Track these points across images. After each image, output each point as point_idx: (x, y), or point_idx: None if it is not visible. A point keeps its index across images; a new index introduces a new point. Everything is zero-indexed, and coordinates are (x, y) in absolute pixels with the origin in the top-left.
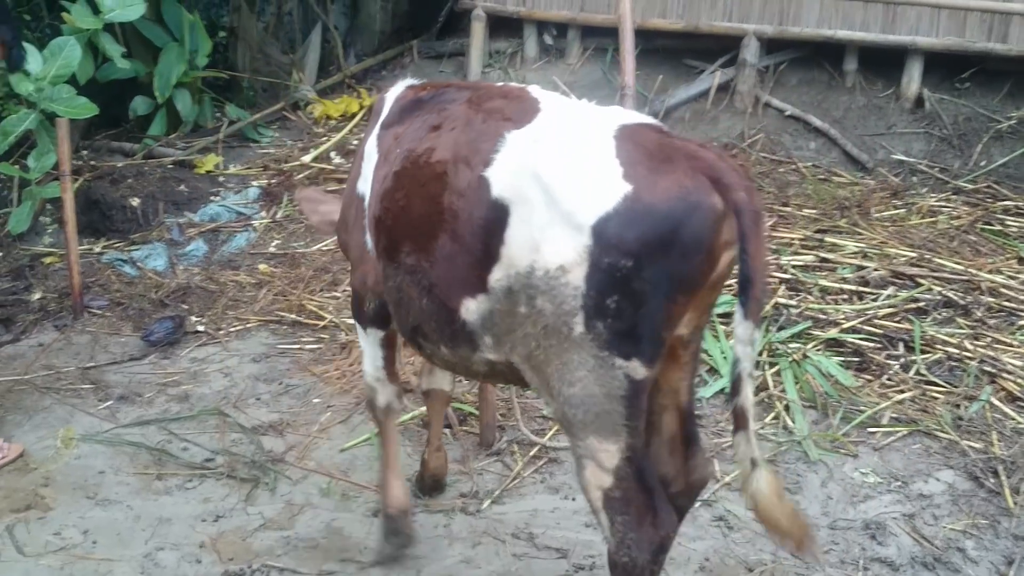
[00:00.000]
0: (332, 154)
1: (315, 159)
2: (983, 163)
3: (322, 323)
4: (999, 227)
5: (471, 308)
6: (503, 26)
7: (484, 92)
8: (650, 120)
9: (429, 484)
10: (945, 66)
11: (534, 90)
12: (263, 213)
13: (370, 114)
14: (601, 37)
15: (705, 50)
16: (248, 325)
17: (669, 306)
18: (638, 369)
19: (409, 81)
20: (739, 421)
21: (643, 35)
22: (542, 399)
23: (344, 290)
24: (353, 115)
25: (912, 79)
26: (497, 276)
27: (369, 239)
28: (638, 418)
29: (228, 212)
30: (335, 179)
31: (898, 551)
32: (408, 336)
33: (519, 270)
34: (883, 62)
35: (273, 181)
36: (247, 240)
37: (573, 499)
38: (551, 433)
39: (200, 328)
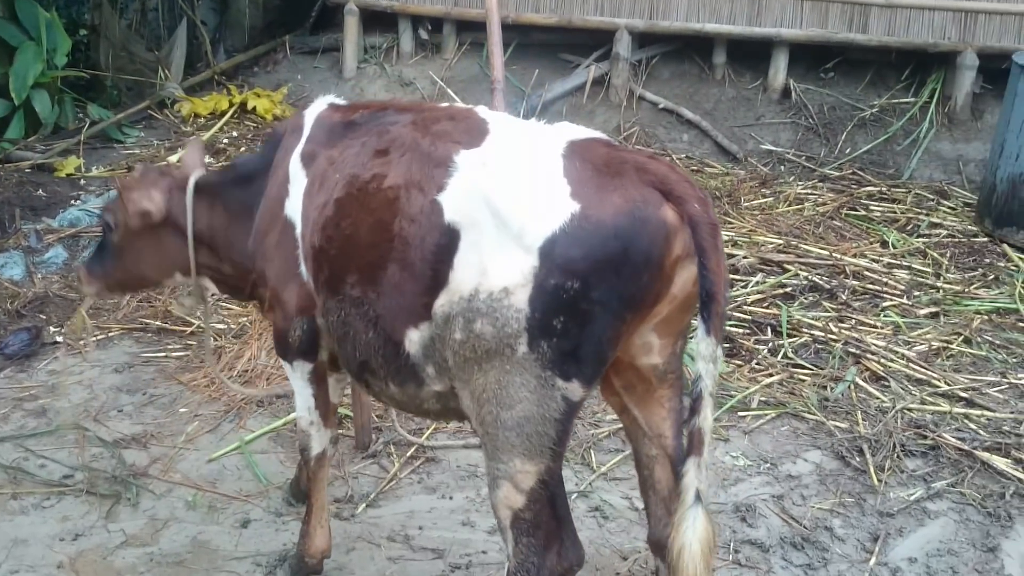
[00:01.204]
0: None
1: (178, 160)
2: (847, 151)
3: (189, 329)
4: (863, 212)
5: (414, 339)
6: (377, 21)
7: (429, 114)
8: (597, 135)
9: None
10: (809, 57)
11: (481, 111)
12: None
13: (283, 131)
14: (477, 32)
15: (580, 44)
16: (111, 334)
17: (617, 324)
18: (576, 390)
19: (330, 99)
20: (694, 445)
21: (518, 30)
22: (472, 425)
23: (214, 294)
24: (223, 112)
25: (778, 70)
26: (441, 302)
27: (304, 269)
28: (564, 442)
29: (89, 217)
30: None
31: (768, 532)
32: (355, 374)
33: (462, 295)
34: (750, 54)
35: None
36: None
37: (450, 498)
38: (428, 432)
39: (59, 339)
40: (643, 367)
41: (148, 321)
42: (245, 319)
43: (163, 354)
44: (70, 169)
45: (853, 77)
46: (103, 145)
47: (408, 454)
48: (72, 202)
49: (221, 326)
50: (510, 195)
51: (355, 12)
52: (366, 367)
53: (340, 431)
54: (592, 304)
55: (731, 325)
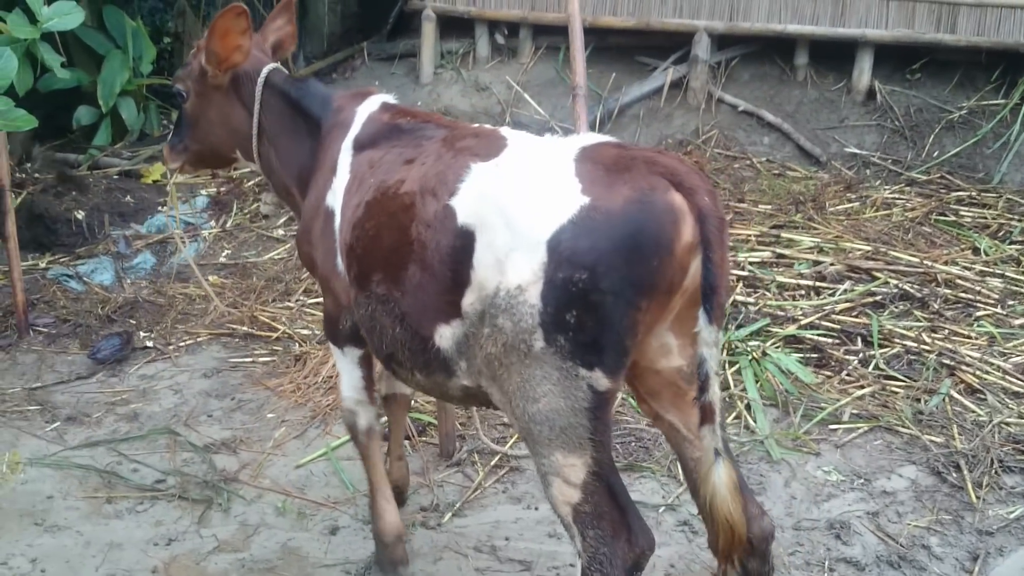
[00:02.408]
0: None
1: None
2: (935, 154)
3: (275, 335)
4: (953, 218)
5: (445, 334)
6: (454, 26)
7: (458, 132)
8: (608, 138)
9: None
10: (895, 58)
11: (504, 130)
12: (212, 223)
13: (337, 107)
14: (553, 36)
15: (657, 47)
16: (199, 339)
17: (632, 313)
18: (601, 380)
19: (384, 97)
20: (706, 415)
21: (595, 33)
22: (509, 420)
23: (298, 299)
24: None
25: (863, 71)
26: (470, 300)
27: (340, 262)
28: (604, 432)
29: (175, 223)
30: None
31: (863, 550)
32: (383, 362)
33: (487, 292)
34: (833, 55)
35: (222, 189)
36: (195, 251)
37: (536, 508)
38: (511, 441)
39: (149, 344)
40: (665, 371)
41: (235, 327)
42: None
43: (250, 359)
44: (156, 175)
45: (940, 78)
46: None
47: (492, 463)
48: (159, 208)
49: (305, 332)
50: (518, 195)
51: (432, 18)
52: (393, 358)
53: (423, 439)
54: (603, 294)
55: (819, 334)
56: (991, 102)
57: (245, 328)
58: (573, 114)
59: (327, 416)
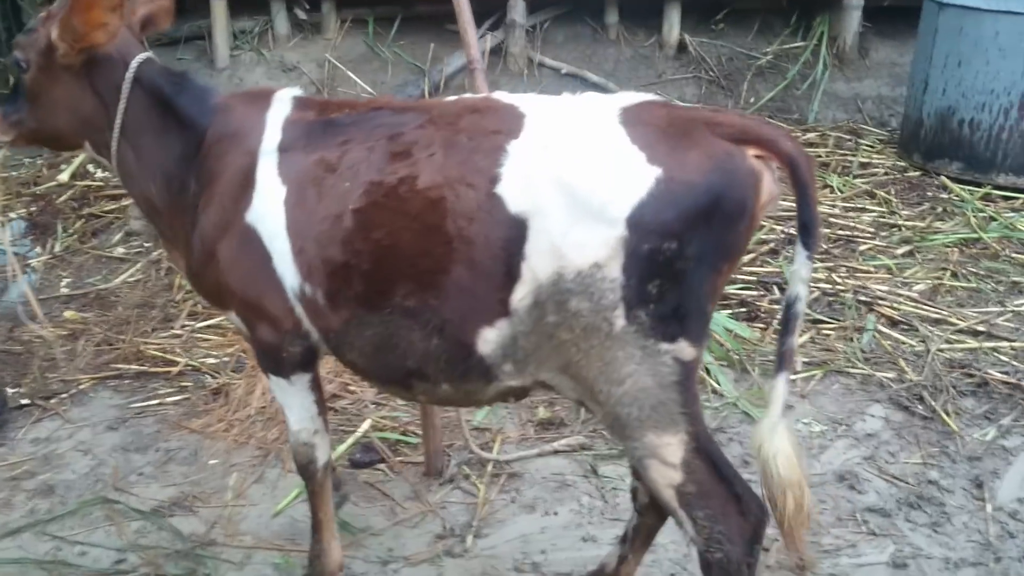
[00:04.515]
0: (90, 167)
1: (72, 176)
2: (752, 100)
3: (175, 369)
4: None
5: (490, 338)
6: (245, 3)
7: (443, 110)
8: (648, 96)
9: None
10: (698, 10)
11: (501, 95)
12: (38, 249)
13: (223, 112)
14: (357, 7)
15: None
16: (81, 387)
17: (714, 277)
18: (685, 350)
19: (292, 92)
20: (785, 361)
21: (401, 3)
22: (588, 407)
23: (184, 325)
24: None
25: (672, 26)
26: (520, 295)
27: (299, 285)
28: (694, 403)
29: (2, 254)
30: (106, 196)
31: (879, 496)
32: (393, 381)
33: (543, 282)
34: (640, 12)
35: (34, 209)
36: (29, 283)
37: (555, 514)
38: (496, 446)
39: (25, 401)
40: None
41: (122, 366)
42: (233, 347)
43: (155, 401)
44: None
45: (742, 27)
46: None
47: (488, 473)
48: None
49: (211, 360)
50: (582, 174)
51: None
52: (415, 374)
53: (400, 460)
54: (688, 262)
55: (741, 288)
56: (792, 45)
57: (135, 366)
58: (474, 88)
59: (280, 452)
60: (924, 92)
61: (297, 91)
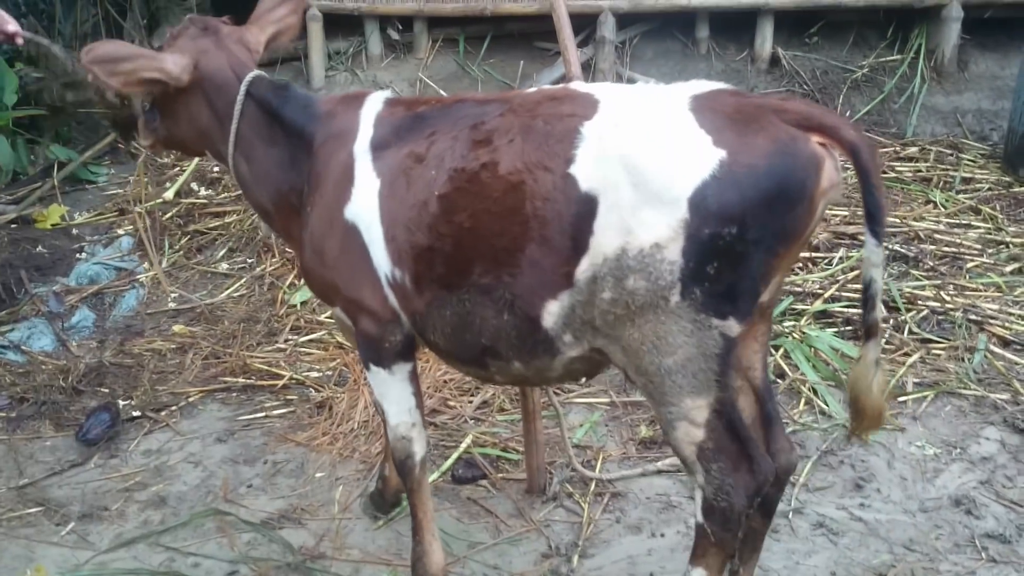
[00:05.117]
0: (194, 185)
1: (177, 194)
2: (848, 113)
3: (279, 382)
4: (892, 174)
5: (552, 310)
6: (340, 24)
7: (523, 100)
8: (719, 85)
9: (391, 501)
10: (790, 24)
11: (578, 85)
12: (146, 265)
13: (324, 117)
14: (447, 27)
15: (555, 31)
16: (190, 399)
17: (769, 260)
18: (734, 327)
19: (383, 94)
20: (872, 332)
21: (493, 22)
22: (628, 375)
23: (288, 339)
24: None
25: (765, 39)
26: (583, 267)
27: (391, 271)
28: (729, 372)
29: (106, 269)
30: (210, 214)
31: (997, 522)
32: (470, 360)
33: (607, 256)
34: (732, 26)
35: (142, 226)
36: (137, 298)
37: (661, 535)
38: (599, 465)
39: (136, 414)
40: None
41: (228, 379)
42: (336, 361)
43: (262, 414)
44: (55, 219)
45: (837, 40)
46: (73, 188)
47: (591, 492)
48: (78, 255)
49: (315, 374)
50: (647, 153)
51: (319, 17)
52: (488, 351)
53: (501, 476)
54: (747, 245)
55: (846, 306)
56: (888, 59)
57: (242, 379)
58: None
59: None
60: None
61: (387, 92)
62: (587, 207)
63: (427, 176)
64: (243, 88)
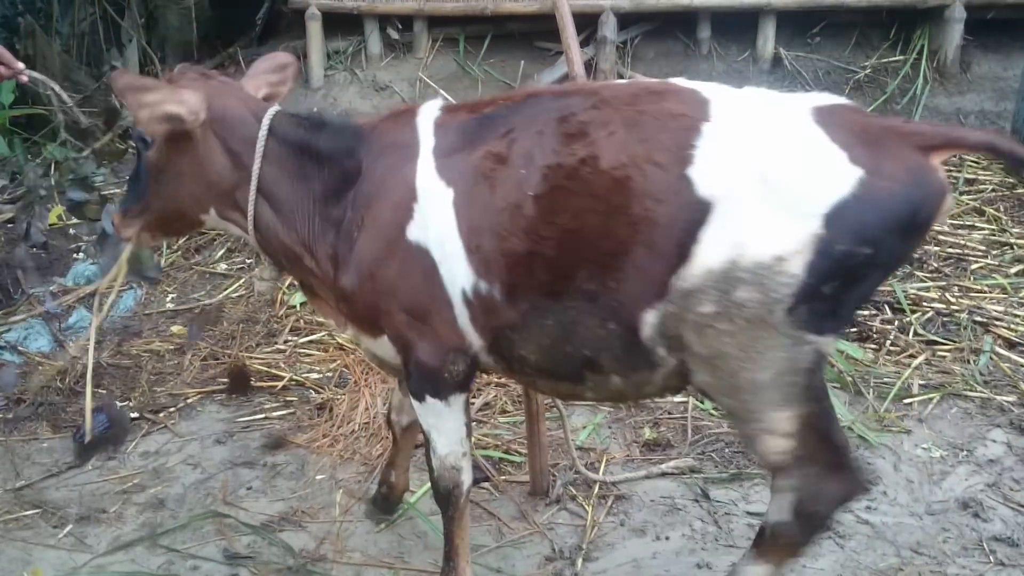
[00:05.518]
0: None
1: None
2: None
3: (279, 384)
4: None
5: (649, 320)
6: (339, 23)
7: (614, 92)
8: (839, 99)
9: (395, 503)
10: (792, 24)
11: (679, 80)
12: None
13: (370, 137)
14: (448, 27)
15: (556, 31)
16: (188, 400)
17: (880, 282)
18: (829, 343)
19: (438, 102)
20: None
21: (494, 21)
22: (707, 390)
23: (287, 340)
24: None
25: (767, 39)
26: (684, 276)
27: (474, 284)
28: (819, 384)
29: (102, 269)
30: None
31: (1005, 525)
32: (568, 375)
33: (711, 268)
34: (734, 26)
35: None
36: (135, 299)
37: (666, 538)
38: (602, 466)
39: (134, 415)
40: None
41: (227, 380)
42: (336, 363)
43: (262, 415)
44: (52, 219)
45: (839, 40)
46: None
47: (595, 494)
48: (75, 255)
49: (316, 376)
50: (784, 163)
51: (317, 16)
52: (590, 365)
53: (504, 478)
54: (872, 267)
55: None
56: (891, 59)
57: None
58: None
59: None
60: None
61: (440, 101)
62: (700, 214)
63: (515, 176)
64: (265, 123)
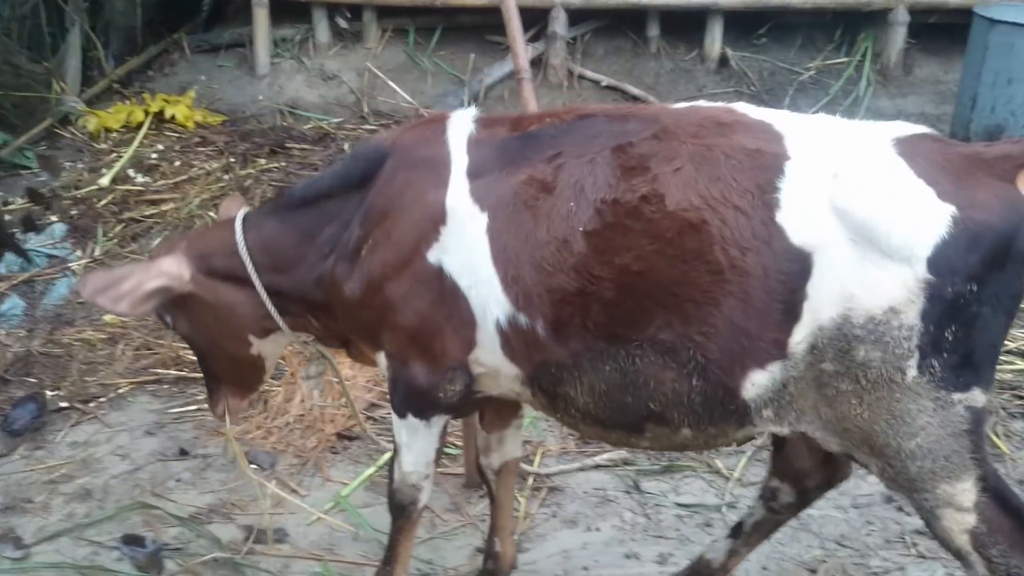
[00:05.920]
0: (131, 171)
1: (113, 180)
2: None
3: None
4: None
5: (759, 381)
6: (287, 11)
7: (679, 120)
8: (919, 128)
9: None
10: (739, 24)
11: (743, 107)
12: (78, 252)
13: (385, 156)
14: (398, 17)
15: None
16: (120, 391)
17: (1007, 321)
18: (978, 397)
19: (471, 112)
20: None
21: (444, 13)
22: (858, 459)
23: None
24: (138, 125)
25: (715, 39)
26: (799, 337)
27: (510, 316)
28: (984, 446)
29: (38, 257)
30: (146, 201)
31: None
32: (623, 425)
33: (823, 325)
34: (683, 25)
35: (75, 212)
36: (69, 287)
37: (597, 529)
38: (537, 459)
39: (64, 404)
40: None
41: (160, 371)
42: None
43: (194, 407)
44: None
45: (785, 41)
46: (6, 173)
47: (528, 487)
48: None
49: None
50: (873, 205)
51: (264, 3)
52: (656, 418)
53: (440, 470)
54: (984, 306)
55: None
56: (835, 61)
57: (174, 371)
58: (520, 99)
59: (318, 461)
60: (972, 110)
61: (473, 111)
62: (799, 265)
63: (563, 208)
64: (238, 231)
